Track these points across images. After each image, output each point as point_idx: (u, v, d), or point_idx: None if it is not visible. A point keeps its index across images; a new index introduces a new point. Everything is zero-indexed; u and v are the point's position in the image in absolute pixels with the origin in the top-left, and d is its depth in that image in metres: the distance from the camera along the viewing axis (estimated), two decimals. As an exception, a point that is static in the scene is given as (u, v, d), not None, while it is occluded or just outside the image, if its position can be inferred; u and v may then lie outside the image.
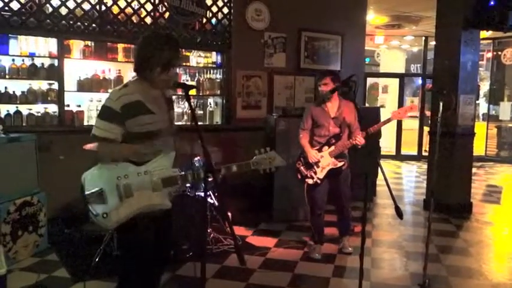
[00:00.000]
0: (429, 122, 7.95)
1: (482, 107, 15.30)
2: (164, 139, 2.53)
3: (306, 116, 4.57)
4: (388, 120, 4.24)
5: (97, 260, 4.10)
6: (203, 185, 4.25)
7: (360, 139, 4.20)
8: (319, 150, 4.45)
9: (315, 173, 4.45)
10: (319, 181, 4.45)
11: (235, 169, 2.46)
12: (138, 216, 2.43)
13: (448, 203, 6.21)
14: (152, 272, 2.56)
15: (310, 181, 4.48)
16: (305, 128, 4.56)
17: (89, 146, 4.23)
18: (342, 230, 4.76)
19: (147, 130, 2.42)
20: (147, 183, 2.42)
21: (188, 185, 4.48)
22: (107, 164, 2.44)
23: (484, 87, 14.97)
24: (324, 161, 4.42)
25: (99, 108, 5.03)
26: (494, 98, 13.04)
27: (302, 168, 4.53)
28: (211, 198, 4.76)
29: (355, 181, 4.69)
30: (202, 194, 4.39)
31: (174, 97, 2.67)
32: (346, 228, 4.74)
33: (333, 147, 4.42)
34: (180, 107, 6.07)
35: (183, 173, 2.50)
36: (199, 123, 6.31)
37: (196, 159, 4.59)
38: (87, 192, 2.38)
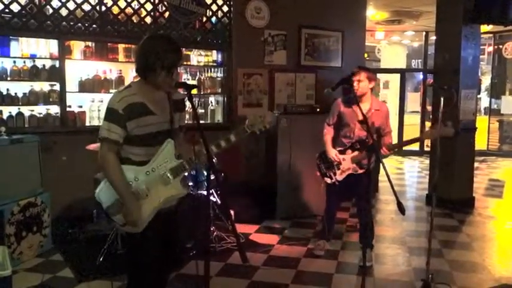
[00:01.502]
0: (430, 117, 7.94)
1: (484, 101, 15.28)
2: (164, 140, 2.53)
3: (333, 111, 4.39)
4: (418, 139, 4.36)
5: (101, 259, 4.13)
6: (205, 183, 4.28)
7: (384, 151, 4.10)
8: (343, 152, 4.30)
9: (334, 174, 4.34)
10: (337, 183, 4.34)
11: (233, 138, 2.47)
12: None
13: (451, 197, 6.22)
14: (160, 271, 2.58)
15: (328, 180, 4.41)
16: (330, 124, 4.40)
17: (92, 146, 4.28)
18: (362, 240, 4.32)
19: (148, 132, 2.44)
20: (158, 179, 2.48)
21: (191, 183, 4.50)
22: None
23: (486, 81, 14.95)
24: (345, 164, 4.28)
25: (101, 108, 5.05)
26: (496, 92, 13.03)
27: (322, 165, 4.46)
28: (214, 197, 4.77)
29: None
30: (204, 193, 4.40)
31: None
32: (367, 239, 4.29)
33: (356, 153, 4.24)
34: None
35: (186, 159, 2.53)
36: (201, 121, 6.32)
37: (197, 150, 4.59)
38: (106, 206, 2.45)
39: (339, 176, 4.32)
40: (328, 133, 4.41)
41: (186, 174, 2.61)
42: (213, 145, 2.47)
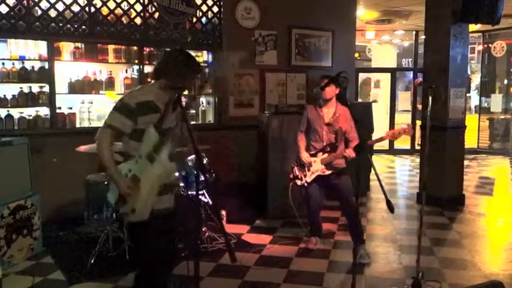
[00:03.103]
0: (421, 116, 8.00)
1: (474, 99, 15.40)
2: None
3: (304, 117, 4.65)
4: (381, 139, 4.30)
5: (92, 261, 4.11)
6: (196, 184, 4.29)
7: (350, 152, 4.25)
8: (314, 155, 4.52)
9: (305, 175, 4.56)
10: (306, 184, 4.57)
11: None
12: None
13: (441, 196, 6.27)
14: (166, 263, 2.71)
15: (298, 182, 4.64)
16: (302, 130, 4.65)
17: (83, 148, 4.27)
18: (353, 238, 4.43)
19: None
20: (145, 160, 2.63)
21: (182, 184, 4.50)
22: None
23: (476, 79, 15.06)
24: (315, 166, 4.51)
25: (91, 110, 5.08)
26: (486, 90, 13.12)
27: (296, 168, 4.67)
28: (206, 197, 4.77)
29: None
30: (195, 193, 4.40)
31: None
32: (358, 235, 4.42)
33: (326, 155, 4.46)
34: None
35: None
36: (192, 122, 6.32)
37: (189, 158, 4.60)
38: (114, 203, 2.66)
39: (308, 178, 4.54)
40: (301, 140, 4.65)
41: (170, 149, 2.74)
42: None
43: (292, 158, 4.85)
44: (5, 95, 5.07)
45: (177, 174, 2.80)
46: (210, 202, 4.73)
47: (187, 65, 2.65)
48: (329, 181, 4.51)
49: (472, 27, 7.68)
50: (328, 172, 4.47)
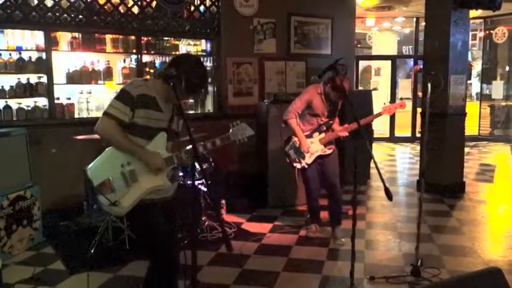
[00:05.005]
0: (421, 103, 7.97)
1: (475, 86, 15.32)
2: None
3: (302, 98, 4.44)
4: (379, 114, 4.40)
5: (92, 251, 4.13)
6: (196, 173, 4.28)
7: (343, 131, 4.34)
8: (310, 136, 4.46)
9: (303, 158, 4.48)
10: (306, 166, 4.49)
11: (218, 142, 2.67)
12: (147, 202, 2.56)
13: (441, 183, 6.26)
14: (173, 249, 2.64)
15: (298, 166, 4.55)
16: (298, 113, 4.45)
17: (80, 136, 4.26)
18: (333, 217, 4.61)
19: (150, 125, 2.55)
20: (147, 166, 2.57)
21: (181, 174, 4.49)
22: (109, 154, 2.56)
23: (477, 66, 14.96)
24: (314, 147, 4.45)
25: (90, 100, 5.05)
26: (487, 77, 13.04)
27: (291, 152, 4.56)
28: (205, 187, 4.77)
29: (347, 164, 4.72)
30: (195, 183, 4.40)
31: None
32: (338, 215, 4.58)
33: (323, 135, 4.44)
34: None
35: (176, 153, 2.63)
36: (191, 111, 6.31)
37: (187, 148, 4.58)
38: (96, 184, 2.50)
39: (308, 159, 4.47)
40: (298, 124, 4.47)
41: (174, 168, 2.71)
42: (200, 145, 2.60)
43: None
44: (2, 86, 5.05)
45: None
46: (209, 191, 4.72)
47: (199, 76, 2.56)
48: (316, 159, 4.50)
49: (473, 13, 7.60)
50: (329, 151, 4.46)
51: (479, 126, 12.19)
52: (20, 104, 5.16)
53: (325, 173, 4.53)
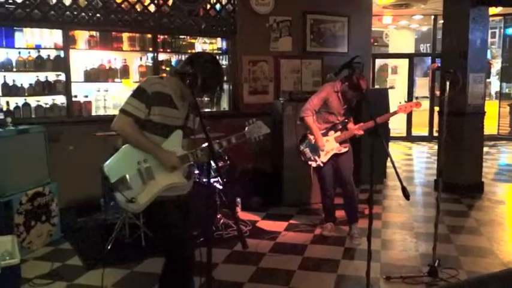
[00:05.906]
0: (439, 101, 7.87)
1: (495, 85, 15.07)
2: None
3: (319, 96, 4.44)
4: (395, 113, 4.40)
5: (109, 247, 4.17)
6: (211, 171, 4.29)
7: (358, 130, 4.37)
8: (325, 134, 4.46)
9: (319, 156, 4.47)
10: (321, 164, 4.49)
11: (234, 140, 2.69)
12: (163, 199, 2.57)
13: (459, 183, 6.17)
14: (189, 247, 2.64)
15: (313, 164, 4.54)
16: (316, 110, 4.45)
17: (101, 134, 4.31)
18: (349, 215, 4.60)
19: (166, 123, 2.56)
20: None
21: (197, 172, 4.51)
22: (126, 152, 2.57)
23: (496, 65, 14.72)
24: (329, 145, 4.45)
25: (107, 97, 5.09)
26: (507, 76, 12.81)
27: (306, 150, 4.55)
28: (221, 185, 4.78)
29: (363, 163, 4.70)
30: (211, 180, 4.41)
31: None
32: (354, 213, 4.58)
33: (339, 133, 4.44)
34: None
35: (191, 151, 2.64)
36: (207, 109, 6.31)
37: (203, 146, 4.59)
38: (113, 181, 2.51)
39: (324, 158, 4.47)
40: (314, 122, 4.45)
41: (190, 165, 2.71)
42: (215, 143, 2.61)
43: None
44: (22, 84, 5.12)
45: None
46: (224, 189, 4.73)
47: (215, 74, 2.56)
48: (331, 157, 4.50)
49: (493, 10, 7.48)
50: (344, 149, 4.46)
51: (498, 126, 11.97)
52: (38, 101, 5.23)
53: (339, 171, 4.51)
